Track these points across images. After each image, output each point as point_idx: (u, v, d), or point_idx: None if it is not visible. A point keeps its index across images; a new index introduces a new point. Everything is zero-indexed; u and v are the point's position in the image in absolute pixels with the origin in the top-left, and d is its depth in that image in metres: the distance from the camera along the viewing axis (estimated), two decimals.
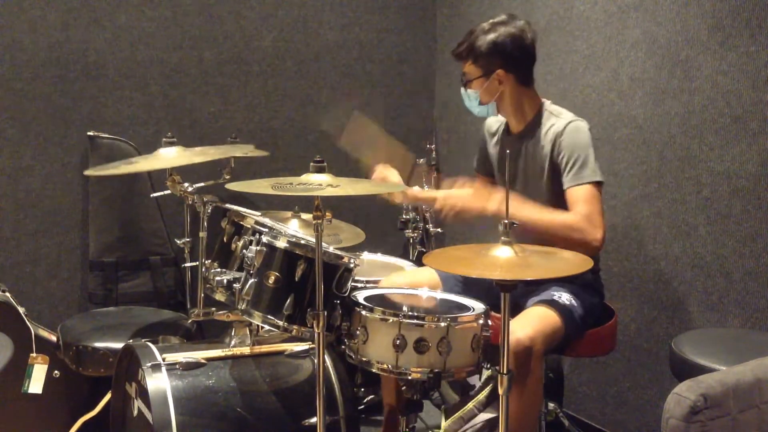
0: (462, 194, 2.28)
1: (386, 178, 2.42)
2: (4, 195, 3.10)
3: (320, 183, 1.86)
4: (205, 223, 2.25)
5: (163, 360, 2.04)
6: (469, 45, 2.29)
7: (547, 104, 2.37)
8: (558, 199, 2.25)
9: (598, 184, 2.16)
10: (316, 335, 1.86)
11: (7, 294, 2.62)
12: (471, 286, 2.32)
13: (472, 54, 2.29)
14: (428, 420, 2.76)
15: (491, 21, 2.30)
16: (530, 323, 2.03)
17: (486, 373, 2.30)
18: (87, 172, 2.73)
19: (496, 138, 2.52)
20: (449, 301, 2.14)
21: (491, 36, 2.26)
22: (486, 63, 2.28)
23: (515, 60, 2.29)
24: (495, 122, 2.54)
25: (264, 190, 1.82)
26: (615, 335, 2.36)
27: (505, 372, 1.64)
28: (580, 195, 2.14)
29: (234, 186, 1.91)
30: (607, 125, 2.79)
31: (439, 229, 3.30)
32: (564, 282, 2.24)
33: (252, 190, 1.91)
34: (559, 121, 2.27)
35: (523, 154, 2.35)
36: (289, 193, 1.80)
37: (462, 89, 2.38)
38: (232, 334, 2.22)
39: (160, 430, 1.91)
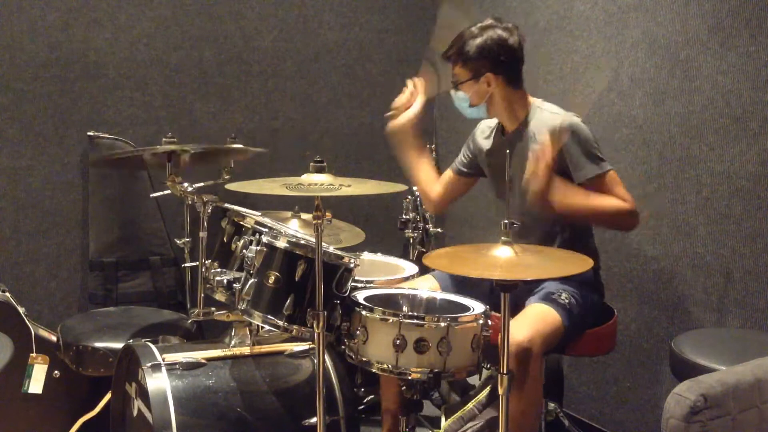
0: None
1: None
2: (4, 195, 3.11)
3: (332, 183, 1.86)
4: (205, 223, 2.25)
5: (163, 360, 2.04)
6: (458, 49, 2.34)
7: (538, 102, 2.39)
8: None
9: (612, 170, 2.25)
10: (316, 335, 1.86)
11: (7, 294, 2.62)
12: (469, 291, 2.32)
13: (461, 57, 2.34)
14: (428, 420, 2.76)
15: (479, 25, 2.34)
16: (528, 324, 2.03)
17: (486, 373, 2.30)
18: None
19: (489, 141, 2.53)
20: (449, 301, 2.14)
21: (478, 40, 2.31)
22: (474, 66, 2.33)
23: (502, 63, 2.33)
24: (487, 127, 2.56)
25: (279, 191, 1.81)
26: (615, 335, 2.36)
27: (505, 372, 1.64)
28: (611, 181, 2.23)
29: (240, 186, 1.91)
30: (607, 125, 2.79)
31: (439, 229, 3.30)
32: (564, 279, 2.24)
33: (263, 191, 1.90)
34: (552, 117, 2.29)
35: (518, 153, 2.35)
36: (304, 194, 1.80)
37: (452, 91, 2.42)
38: (232, 334, 2.22)
39: (160, 430, 1.91)
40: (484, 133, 2.56)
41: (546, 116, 2.31)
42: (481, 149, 2.55)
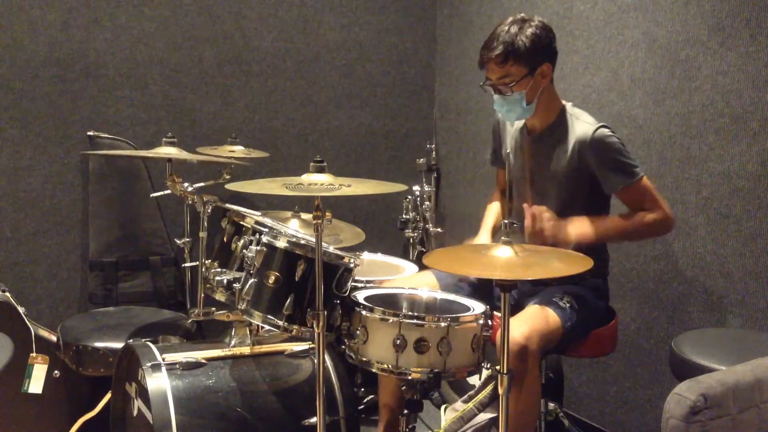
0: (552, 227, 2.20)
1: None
2: (4, 195, 3.11)
3: (332, 183, 1.86)
4: (205, 223, 2.25)
5: (163, 360, 2.04)
6: (507, 47, 2.18)
7: (569, 107, 2.33)
8: (566, 206, 2.26)
9: (644, 176, 2.23)
10: (316, 335, 1.86)
11: (7, 294, 2.62)
12: (471, 292, 2.32)
13: (512, 54, 2.18)
14: (428, 420, 2.76)
15: (513, 20, 2.23)
16: (526, 322, 2.03)
17: (486, 373, 2.30)
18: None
19: (513, 134, 2.47)
20: (449, 301, 2.14)
21: (528, 32, 2.19)
22: (531, 59, 2.20)
23: (554, 51, 2.27)
24: (509, 124, 2.49)
25: (279, 191, 1.81)
26: (616, 336, 2.36)
27: (505, 372, 1.64)
28: (641, 189, 2.21)
29: (240, 186, 1.91)
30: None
31: (439, 229, 3.30)
32: (571, 284, 2.23)
33: (264, 191, 1.91)
34: (584, 126, 2.23)
35: (542, 156, 2.32)
36: (304, 194, 1.80)
37: (498, 96, 2.26)
38: (232, 334, 2.22)
39: (160, 430, 1.91)
40: (505, 128, 2.50)
41: (577, 125, 2.25)
42: (508, 138, 2.49)
